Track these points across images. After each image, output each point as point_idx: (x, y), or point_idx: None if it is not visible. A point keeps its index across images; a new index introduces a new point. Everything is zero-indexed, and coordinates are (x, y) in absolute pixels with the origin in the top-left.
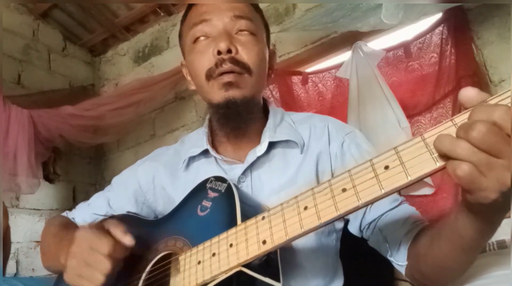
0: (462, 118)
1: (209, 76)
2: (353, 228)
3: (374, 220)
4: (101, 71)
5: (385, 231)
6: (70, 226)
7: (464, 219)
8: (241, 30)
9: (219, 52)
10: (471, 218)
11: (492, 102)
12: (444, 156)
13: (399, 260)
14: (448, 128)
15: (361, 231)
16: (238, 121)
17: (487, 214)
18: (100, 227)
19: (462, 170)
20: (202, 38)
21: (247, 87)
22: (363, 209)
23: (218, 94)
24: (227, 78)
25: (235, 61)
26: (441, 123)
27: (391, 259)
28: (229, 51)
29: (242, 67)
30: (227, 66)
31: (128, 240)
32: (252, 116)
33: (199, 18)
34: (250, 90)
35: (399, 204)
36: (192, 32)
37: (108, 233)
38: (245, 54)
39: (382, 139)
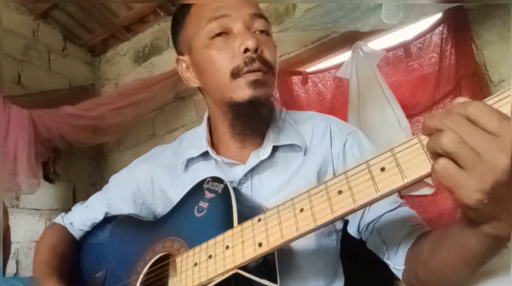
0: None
1: (236, 74)
2: (352, 230)
3: (373, 221)
4: (101, 71)
5: (383, 233)
6: (56, 257)
7: (468, 230)
8: (260, 30)
9: (246, 50)
10: (476, 230)
11: (491, 101)
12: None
13: (397, 264)
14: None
15: (359, 232)
16: (259, 119)
17: (491, 225)
18: None
19: (437, 163)
20: (220, 33)
21: (271, 86)
22: (362, 210)
23: (244, 92)
24: (255, 76)
25: (263, 60)
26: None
27: (388, 262)
28: (256, 49)
29: (268, 67)
30: (256, 65)
31: None
32: (268, 115)
33: (218, 13)
34: (272, 89)
35: (399, 206)
36: (209, 26)
37: None
38: (268, 54)
39: (382, 139)
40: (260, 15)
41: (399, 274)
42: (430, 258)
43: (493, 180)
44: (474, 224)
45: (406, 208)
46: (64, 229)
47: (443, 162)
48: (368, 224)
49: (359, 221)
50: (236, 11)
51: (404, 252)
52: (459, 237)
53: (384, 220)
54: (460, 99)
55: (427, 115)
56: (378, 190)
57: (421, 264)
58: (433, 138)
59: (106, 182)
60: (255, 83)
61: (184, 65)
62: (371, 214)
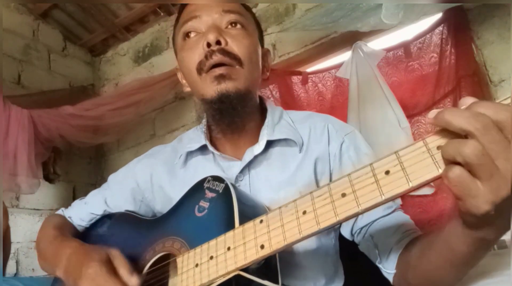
0: (433, 138)
1: (200, 69)
2: (345, 232)
3: (366, 225)
4: (101, 71)
5: (376, 237)
6: (66, 231)
7: (457, 233)
8: (231, 24)
9: (208, 45)
10: (465, 233)
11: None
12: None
13: (388, 268)
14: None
15: (352, 235)
16: (233, 115)
17: (482, 230)
18: (108, 264)
19: (453, 172)
20: (192, 34)
21: (239, 79)
22: None
23: (210, 88)
24: (219, 70)
25: (225, 52)
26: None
27: (380, 266)
28: (218, 42)
29: (232, 58)
30: (217, 57)
31: (134, 282)
32: (247, 110)
33: (189, 16)
34: (243, 82)
35: (393, 211)
36: (182, 29)
37: (115, 273)
38: (235, 46)
39: (382, 139)
40: (230, 11)
41: (390, 278)
42: (419, 261)
43: (506, 193)
44: (465, 227)
45: (400, 212)
46: (65, 218)
47: (459, 171)
48: (362, 228)
49: (353, 224)
50: (205, 11)
51: (395, 256)
52: (447, 240)
53: (378, 225)
54: (468, 100)
55: (444, 109)
56: (383, 194)
57: (411, 267)
58: (455, 145)
59: (106, 182)
60: (219, 78)
61: (180, 73)
62: (365, 219)
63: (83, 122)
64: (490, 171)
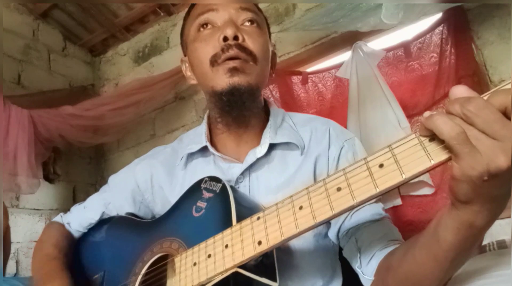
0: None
1: (214, 61)
2: (331, 233)
3: (353, 228)
4: (101, 71)
5: (360, 241)
6: (62, 255)
7: (444, 220)
8: (247, 21)
9: (225, 39)
10: (452, 216)
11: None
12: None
13: (367, 273)
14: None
15: (338, 238)
16: (241, 109)
17: (470, 210)
18: None
19: (454, 128)
20: (207, 26)
21: (252, 74)
22: (344, 215)
23: (222, 80)
24: (233, 63)
25: (242, 48)
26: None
27: (359, 270)
28: (235, 38)
29: (248, 54)
30: (233, 51)
31: None
32: (254, 106)
33: (206, 8)
34: (255, 78)
35: (381, 219)
36: (197, 21)
37: None
38: (251, 43)
39: (382, 139)
40: (247, 8)
41: (367, 284)
42: (401, 262)
43: (502, 164)
44: (453, 208)
45: (389, 222)
46: (63, 227)
47: (459, 128)
48: (348, 230)
49: (340, 226)
50: (223, 5)
51: (376, 263)
52: (432, 231)
53: (364, 229)
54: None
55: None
56: (377, 186)
57: (391, 271)
58: (459, 102)
59: (106, 182)
60: (232, 71)
61: (186, 65)
62: (352, 221)
63: (83, 122)
64: (482, 141)
